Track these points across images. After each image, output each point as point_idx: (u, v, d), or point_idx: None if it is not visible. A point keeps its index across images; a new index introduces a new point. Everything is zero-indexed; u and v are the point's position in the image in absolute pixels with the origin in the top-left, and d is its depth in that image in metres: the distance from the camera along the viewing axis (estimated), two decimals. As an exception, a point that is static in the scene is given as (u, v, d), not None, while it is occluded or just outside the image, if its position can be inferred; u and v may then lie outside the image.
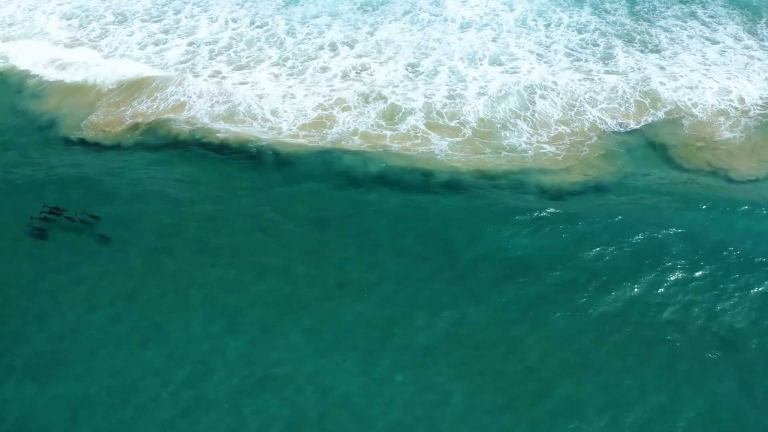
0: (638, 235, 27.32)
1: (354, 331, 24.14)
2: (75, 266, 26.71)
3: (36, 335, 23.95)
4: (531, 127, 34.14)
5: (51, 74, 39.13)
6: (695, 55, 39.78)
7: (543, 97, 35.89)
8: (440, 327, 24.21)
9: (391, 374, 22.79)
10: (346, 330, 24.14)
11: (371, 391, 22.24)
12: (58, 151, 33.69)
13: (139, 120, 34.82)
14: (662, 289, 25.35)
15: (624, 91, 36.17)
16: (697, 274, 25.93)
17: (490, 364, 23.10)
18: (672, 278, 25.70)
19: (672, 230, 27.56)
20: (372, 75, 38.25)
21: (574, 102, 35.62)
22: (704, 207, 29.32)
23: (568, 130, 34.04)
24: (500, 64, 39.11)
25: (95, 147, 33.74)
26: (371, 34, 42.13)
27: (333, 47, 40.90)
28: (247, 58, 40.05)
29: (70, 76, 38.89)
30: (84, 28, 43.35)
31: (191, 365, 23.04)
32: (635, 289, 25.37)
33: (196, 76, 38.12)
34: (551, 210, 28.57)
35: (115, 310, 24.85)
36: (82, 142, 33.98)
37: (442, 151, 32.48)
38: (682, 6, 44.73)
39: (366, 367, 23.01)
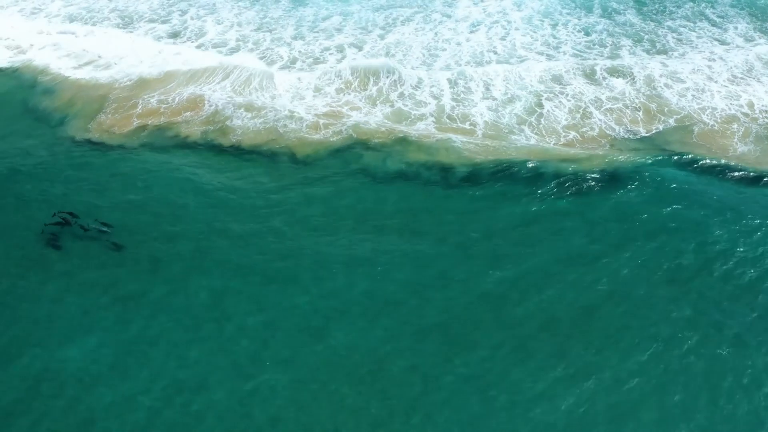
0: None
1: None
2: (85, 270, 26.88)
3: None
4: (538, 134, 34.12)
5: (67, 71, 39.62)
6: (704, 55, 39.54)
7: (550, 99, 35.88)
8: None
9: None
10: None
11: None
12: (67, 149, 33.89)
13: (150, 120, 35.07)
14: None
15: (632, 96, 36.04)
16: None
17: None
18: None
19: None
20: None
21: (581, 105, 35.52)
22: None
23: (578, 137, 33.94)
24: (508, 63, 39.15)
25: (102, 146, 33.97)
26: (381, 37, 42.12)
27: (340, 49, 41.05)
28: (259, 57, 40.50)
29: (84, 73, 39.34)
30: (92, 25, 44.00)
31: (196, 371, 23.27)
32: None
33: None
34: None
35: (127, 315, 25.02)
36: (90, 142, 34.17)
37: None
38: (692, 5, 44.49)
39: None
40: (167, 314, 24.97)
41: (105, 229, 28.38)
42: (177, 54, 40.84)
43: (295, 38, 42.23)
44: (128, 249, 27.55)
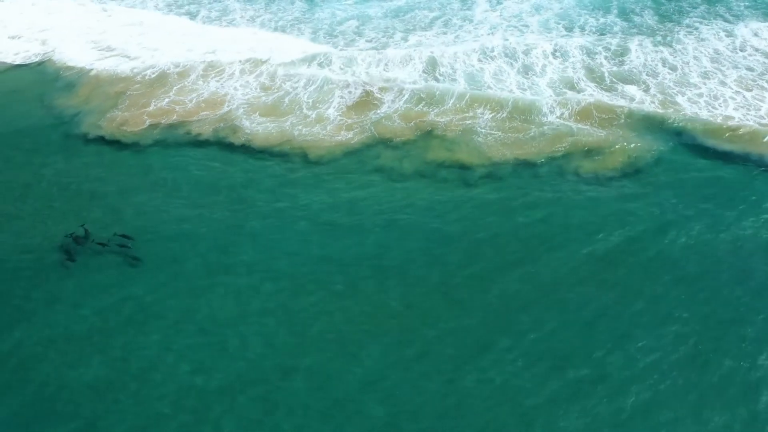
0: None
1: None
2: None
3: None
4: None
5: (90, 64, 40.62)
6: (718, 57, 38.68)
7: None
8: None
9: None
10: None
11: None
12: (82, 146, 34.61)
13: (163, 119, 35.61)
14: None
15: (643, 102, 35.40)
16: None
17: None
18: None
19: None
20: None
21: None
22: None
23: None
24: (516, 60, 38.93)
25: (118, 144, 34.50)
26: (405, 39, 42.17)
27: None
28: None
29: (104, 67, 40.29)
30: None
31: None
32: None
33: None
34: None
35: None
36: (103, 139, 34.66)
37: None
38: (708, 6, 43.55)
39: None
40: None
41: (125, 241, 27.50)
42: (190, 50, 41.52)
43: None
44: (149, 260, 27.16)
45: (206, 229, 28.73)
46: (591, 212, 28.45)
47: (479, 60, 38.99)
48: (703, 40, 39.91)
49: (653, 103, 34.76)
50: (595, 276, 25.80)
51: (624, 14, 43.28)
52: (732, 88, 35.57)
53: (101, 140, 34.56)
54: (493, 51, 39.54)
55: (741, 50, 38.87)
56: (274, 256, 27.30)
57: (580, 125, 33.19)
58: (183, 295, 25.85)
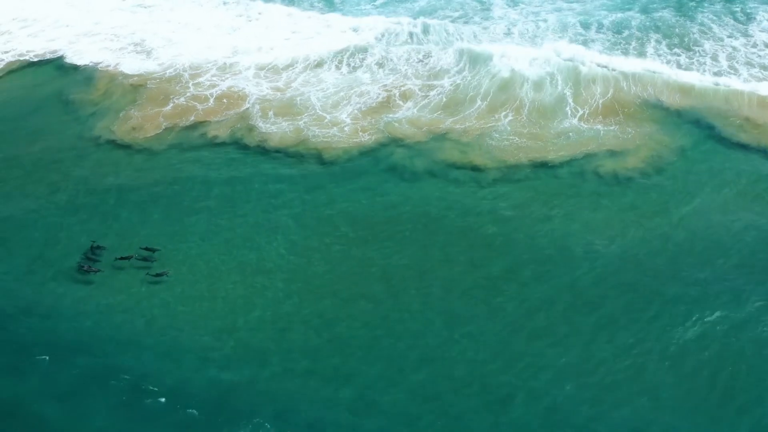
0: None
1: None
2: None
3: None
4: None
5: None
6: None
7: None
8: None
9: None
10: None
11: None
12: (99, 146, 34.60)
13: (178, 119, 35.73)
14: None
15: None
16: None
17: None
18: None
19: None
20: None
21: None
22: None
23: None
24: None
25: (137, 146, 34.43)
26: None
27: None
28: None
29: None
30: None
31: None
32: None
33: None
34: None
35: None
36: (116, 144, 34.57)
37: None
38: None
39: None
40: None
41: (149, 254, 27.27)
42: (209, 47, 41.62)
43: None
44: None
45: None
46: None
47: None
48: None
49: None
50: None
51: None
52: None
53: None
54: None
55: None
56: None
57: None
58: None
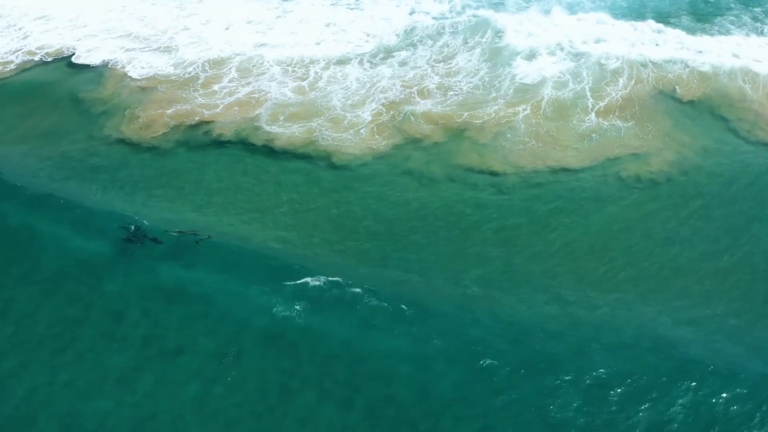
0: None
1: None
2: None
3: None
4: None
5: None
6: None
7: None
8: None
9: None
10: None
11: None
12: (108, 144, 34.44)
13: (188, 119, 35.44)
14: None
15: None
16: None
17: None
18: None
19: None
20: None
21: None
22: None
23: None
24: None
25: (146, 143, 34.30)
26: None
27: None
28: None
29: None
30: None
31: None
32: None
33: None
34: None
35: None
36: (128, 141, 34.38)
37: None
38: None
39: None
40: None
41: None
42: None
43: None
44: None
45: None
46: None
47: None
48: None
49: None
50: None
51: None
52: None
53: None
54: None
55: None
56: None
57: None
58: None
